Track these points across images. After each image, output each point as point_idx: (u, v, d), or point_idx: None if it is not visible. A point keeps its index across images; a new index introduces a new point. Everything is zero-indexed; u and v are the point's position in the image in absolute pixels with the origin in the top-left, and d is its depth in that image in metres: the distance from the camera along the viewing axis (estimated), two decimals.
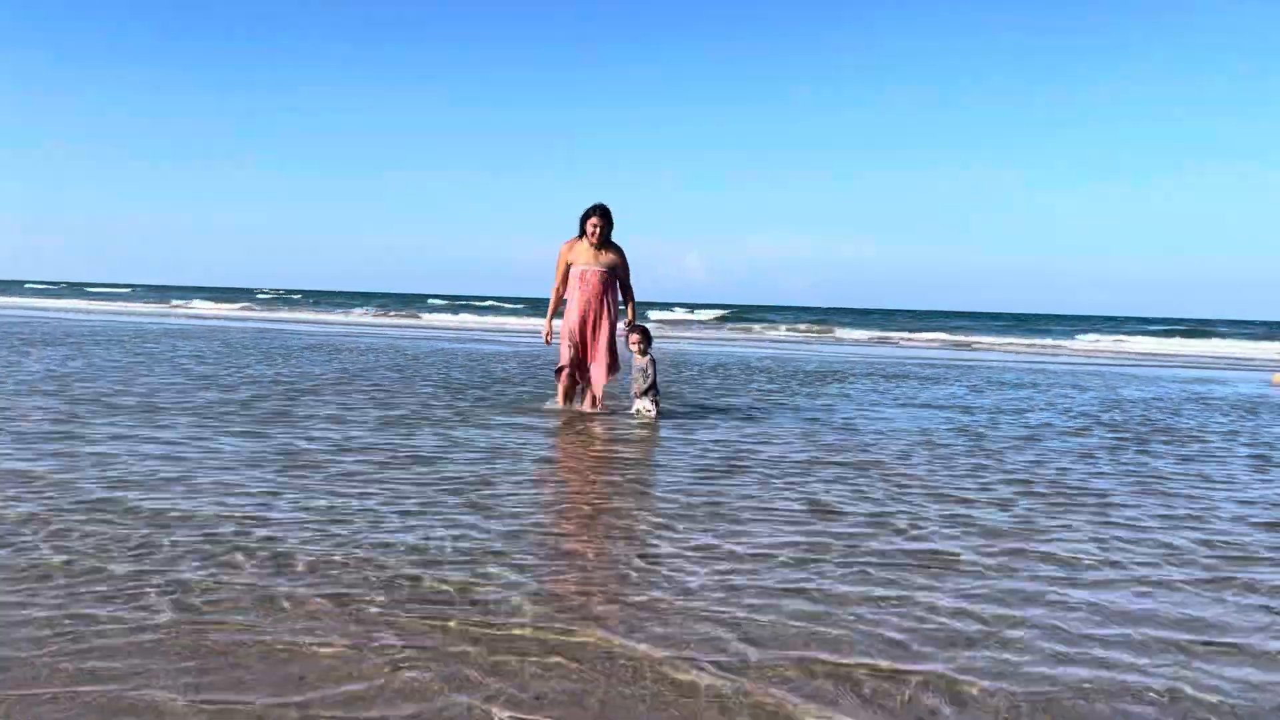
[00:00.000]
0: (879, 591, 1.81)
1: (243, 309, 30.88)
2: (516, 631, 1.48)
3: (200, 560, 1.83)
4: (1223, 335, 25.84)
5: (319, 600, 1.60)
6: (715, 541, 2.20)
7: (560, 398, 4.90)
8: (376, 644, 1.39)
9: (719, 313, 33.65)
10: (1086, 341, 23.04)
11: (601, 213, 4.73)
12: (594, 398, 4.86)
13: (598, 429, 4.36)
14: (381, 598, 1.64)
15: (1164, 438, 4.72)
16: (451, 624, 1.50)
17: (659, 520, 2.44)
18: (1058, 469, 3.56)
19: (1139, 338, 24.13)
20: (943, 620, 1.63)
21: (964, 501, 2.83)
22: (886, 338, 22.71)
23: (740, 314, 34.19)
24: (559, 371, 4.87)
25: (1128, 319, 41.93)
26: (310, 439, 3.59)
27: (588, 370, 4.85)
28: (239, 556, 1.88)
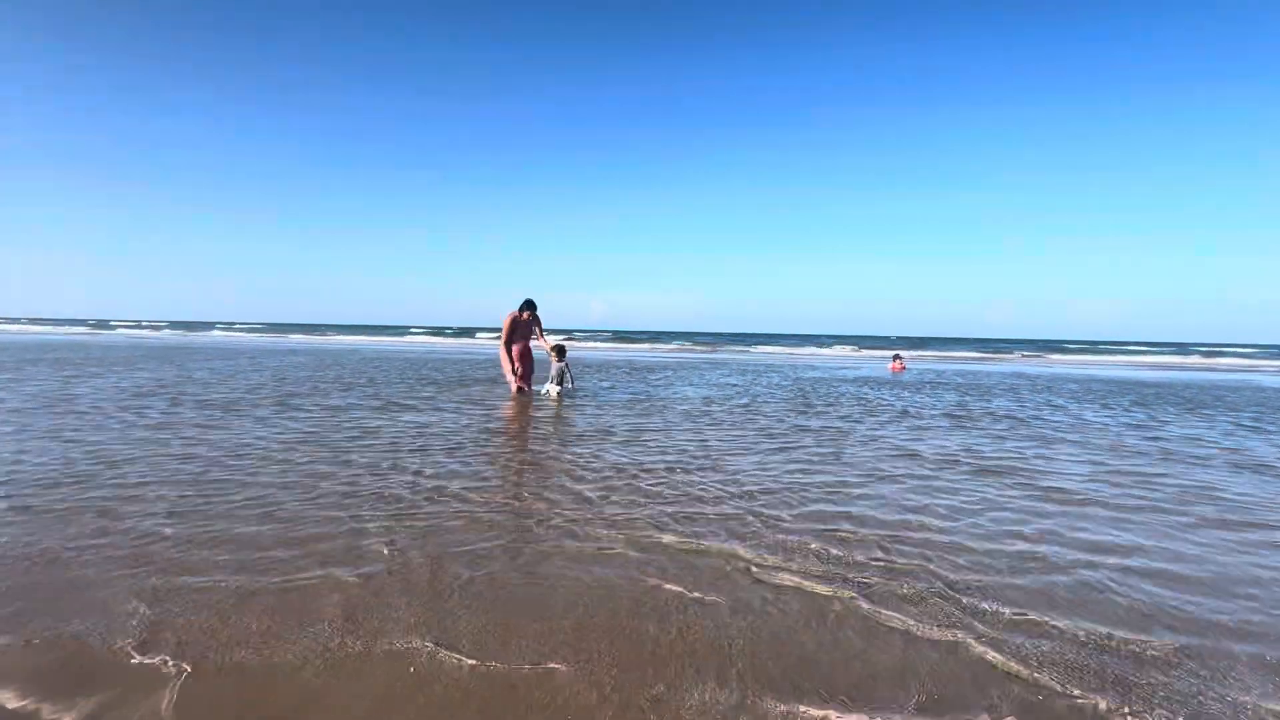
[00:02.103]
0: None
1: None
2: None
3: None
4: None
5: None
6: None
7: (515, 392, 8.58)
8: None
9: (608, 336, 53.07)
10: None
11: (530, 303, 8.63)
12: (524, 388, 8.65)
13: (524, 402, 7.98)
14: None
15: (821, 400, 9.14)
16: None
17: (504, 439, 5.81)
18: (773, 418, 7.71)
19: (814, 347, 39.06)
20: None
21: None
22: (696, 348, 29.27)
23: (620, 335, 54.02)
24: (515, 386, 8.58)
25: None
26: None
27: (526, 377, 8.59)
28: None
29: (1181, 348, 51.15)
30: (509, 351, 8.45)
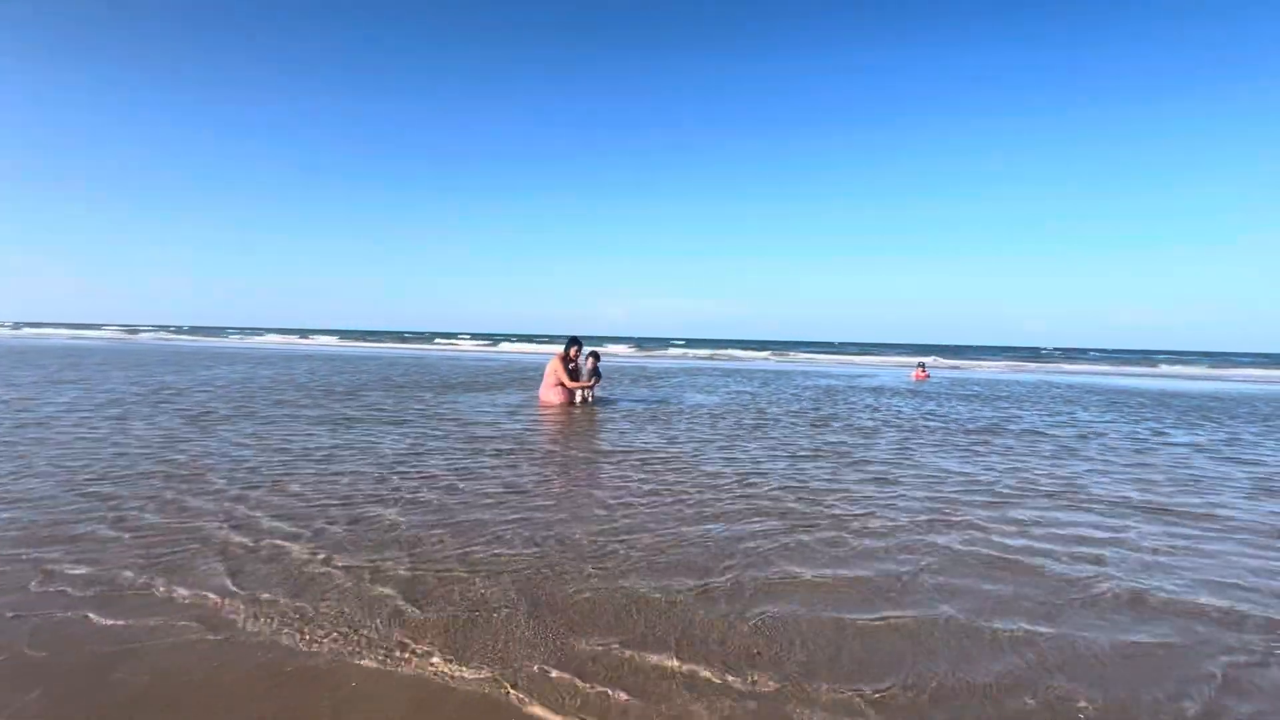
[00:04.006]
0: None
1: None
2: None
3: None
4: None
5: None
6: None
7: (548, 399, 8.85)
8: None
9: (624, 342, 57.51)
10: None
11: (577, 341, 8.90)
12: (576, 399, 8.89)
13: (567, 406, 8.23)
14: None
15: (832, 409, 9.24)
16: None
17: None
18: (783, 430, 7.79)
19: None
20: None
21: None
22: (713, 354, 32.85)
23: (640, 343, 56.77)
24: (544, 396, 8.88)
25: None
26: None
27: (569, 393, 8.82)
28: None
29: (1215, 357, 49.75)
30: (561, 388, 8.58)
